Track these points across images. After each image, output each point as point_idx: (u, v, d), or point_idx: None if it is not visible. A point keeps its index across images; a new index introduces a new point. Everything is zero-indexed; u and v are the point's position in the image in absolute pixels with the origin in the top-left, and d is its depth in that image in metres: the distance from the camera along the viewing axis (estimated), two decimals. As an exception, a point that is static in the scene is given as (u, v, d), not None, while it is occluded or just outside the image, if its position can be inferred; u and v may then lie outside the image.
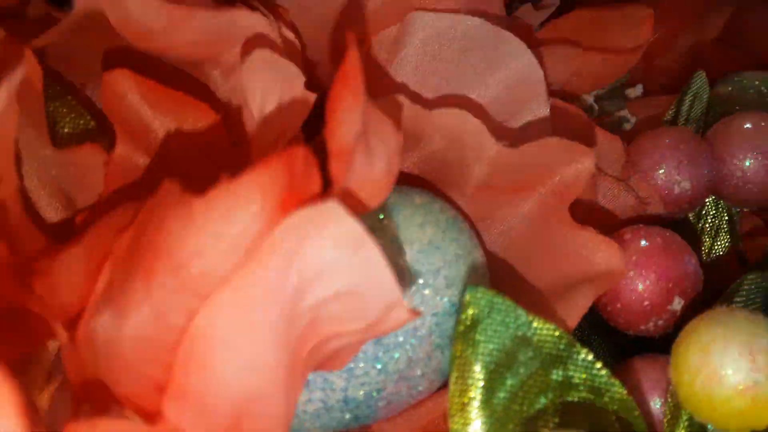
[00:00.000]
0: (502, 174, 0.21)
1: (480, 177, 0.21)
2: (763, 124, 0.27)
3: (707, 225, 0.30)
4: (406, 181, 0.23)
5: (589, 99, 0.33)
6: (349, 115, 0.13)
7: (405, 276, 0.18)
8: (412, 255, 0.19)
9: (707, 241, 0.30)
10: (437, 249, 0.19)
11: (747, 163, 0.27)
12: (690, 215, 0.30)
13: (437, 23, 0.22)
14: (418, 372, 0.19)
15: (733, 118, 0.28)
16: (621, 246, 0.23)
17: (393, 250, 0.18)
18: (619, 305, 0.23)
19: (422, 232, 0.19)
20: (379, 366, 0.18)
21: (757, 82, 0.39)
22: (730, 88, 0.40)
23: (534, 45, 0.28)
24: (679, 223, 0.29)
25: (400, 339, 0.18)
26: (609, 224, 0.26)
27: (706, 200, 0.29)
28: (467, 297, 0.16)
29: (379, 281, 0.13)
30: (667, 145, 0.26)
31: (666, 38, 0.42)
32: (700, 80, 0.31)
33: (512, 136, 0.22)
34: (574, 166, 0.20)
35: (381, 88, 0.22)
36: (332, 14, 0.23)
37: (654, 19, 0.40)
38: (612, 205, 0.25)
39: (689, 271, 0.22)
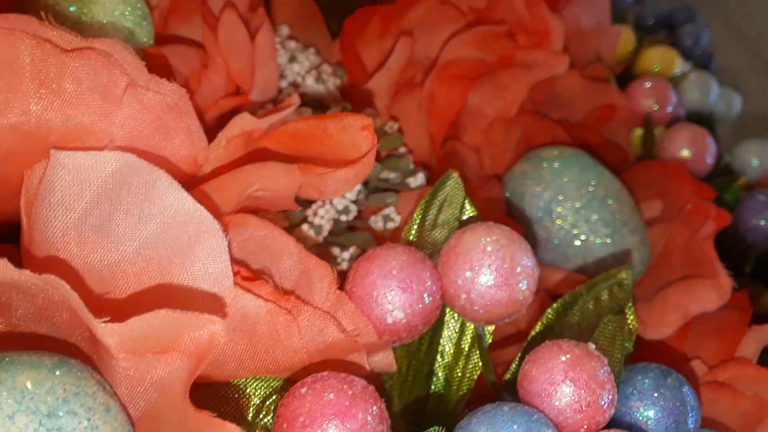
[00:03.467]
0: (129, 342, 0.18)
1: (112, 345, 0.19)
2: (490, 237, 0.25)
3: (461, 344, 0.28)
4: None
5: (344, 201, 0.32)
6: None
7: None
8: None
9: (460, 362, 0.28)
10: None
11: (472, 283, 0.25)
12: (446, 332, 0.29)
13: (82, 162, 0.20)
14: None
15: (464, 231, 0.26)
16: (293, 402, 0.21)
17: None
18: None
19: (11, 424, 0.17)
20: None
21: (551, 158, 0.39)
22: (526, 166, 0.39)
23: (259, 156, 0.26)
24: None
25: None
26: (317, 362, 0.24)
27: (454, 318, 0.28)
28: None
29: None
30: (378, 271, 0.24)
31: (471, 112, 0.41)
32: (452, 181, 0.29)
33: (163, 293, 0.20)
34: (204, 331, 0.18)
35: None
36: None
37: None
38: (316, 340, 0.23)
39: (368, 427, 0.20)
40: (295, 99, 0.28)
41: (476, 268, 0.25)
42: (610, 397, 0.22)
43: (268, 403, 0.24)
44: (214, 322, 0.18)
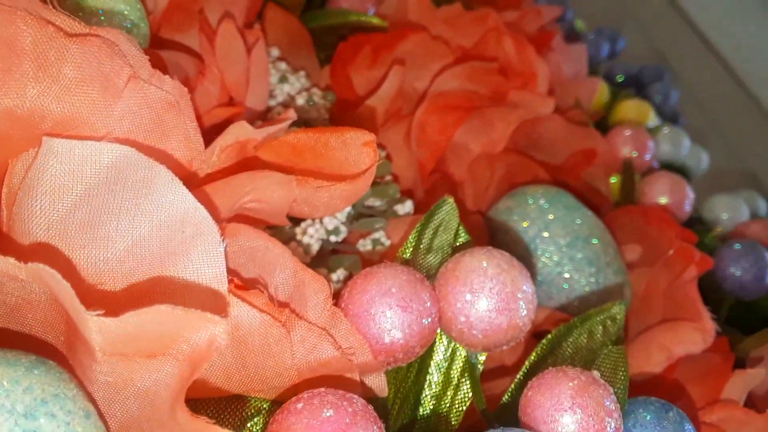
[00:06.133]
0: (119, 342, 0.17)
1: (99, 343, 0.17)
2: (491, 261, 0.25)
3: (451, 372, 0.27)
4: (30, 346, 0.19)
5: (334, 222, 0.31)
6: None
7: None
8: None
9: (449, 392, 0.27)
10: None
11: (472, 306, 0.24)
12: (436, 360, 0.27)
13: (76, 151, 0.19)
14: None
15: (463, 254, 0.25)
16: (288, 417, 0.19)
17: None
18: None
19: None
20: None
21: (537, 195, 0.39)
22: (511, 202, 0.39)
23: (251, 167, 0.25)
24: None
25: None
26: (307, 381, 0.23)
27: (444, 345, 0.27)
28: None
29: None
30: (377, 288, 0.23)
31: (456, 147, 0.41)
32: (447, 206, 0.29)
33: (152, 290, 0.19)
34: (204, 333, 0.17)
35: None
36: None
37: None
38: (308, 357, 0.22)
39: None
40: (291, 114, 0.28)
41: (476, 292, 0.24)
42: (616, 426, 0.21)
43: (249, 425, 0.23)
44: (216, 323, 0.17)
